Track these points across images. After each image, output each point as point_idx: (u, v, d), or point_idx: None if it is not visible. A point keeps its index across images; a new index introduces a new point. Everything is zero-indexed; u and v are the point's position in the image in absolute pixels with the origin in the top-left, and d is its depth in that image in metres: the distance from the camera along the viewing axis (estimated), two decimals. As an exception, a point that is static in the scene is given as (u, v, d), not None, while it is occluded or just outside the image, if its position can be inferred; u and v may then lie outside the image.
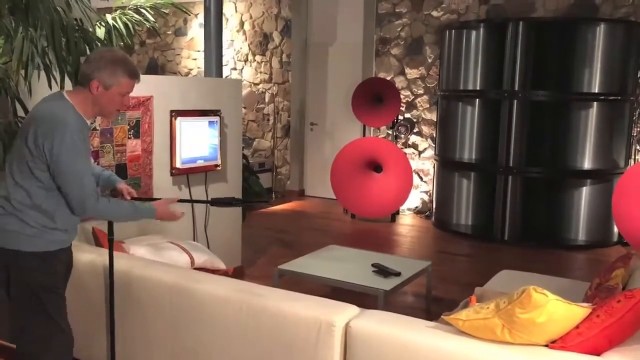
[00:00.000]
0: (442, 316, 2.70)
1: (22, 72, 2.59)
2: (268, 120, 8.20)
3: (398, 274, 3.61)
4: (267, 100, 8.19)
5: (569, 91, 5.86)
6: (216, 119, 4.12)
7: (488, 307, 1.94)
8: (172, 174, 3.89)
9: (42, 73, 2.67)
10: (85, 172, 2.17)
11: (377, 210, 6.61)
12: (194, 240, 4.07)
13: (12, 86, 2.67)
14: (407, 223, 6.81)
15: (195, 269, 3.18)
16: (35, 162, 2.11)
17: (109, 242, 2.53)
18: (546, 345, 1.91)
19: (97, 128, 3.40)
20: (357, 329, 2.10)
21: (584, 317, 1.91)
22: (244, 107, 8.24)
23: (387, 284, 3.47)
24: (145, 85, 3.61)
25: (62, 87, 2.59)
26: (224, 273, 3.38)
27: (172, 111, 3.83)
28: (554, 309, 1.83)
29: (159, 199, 2.56)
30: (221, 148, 4.18)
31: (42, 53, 2.54)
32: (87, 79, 2.18)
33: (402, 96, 6.98)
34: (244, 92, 8.20)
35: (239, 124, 4.48)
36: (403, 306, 4.12)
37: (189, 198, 3.88)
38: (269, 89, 8.16)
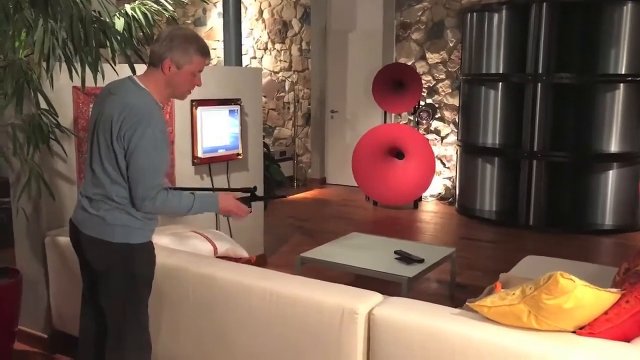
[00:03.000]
0: (466, 303, 2.69)
1: (44, 64, 2.61)
2: (288, 108, 8.18)
3: (421, 261, 3.58)
4: (287, 88, 8.17)
5: (594, 73, 5.74)
6: (236, 107, 4.11)
7: (514, 294, 1.91)
8: (193, 164, 3.90)
9: (64, 65, 2.68)
10: (158, 169, 2.10)
11: (400, 197, 6.58)
12: (217, 228, 4.09)
13: (35, 79, 2.69)
14: (430, 210, 6.76)
15: (218, 257, 3.19)
16: (118, 159, 2.08)
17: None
18: (573, 332, 1.87)
19: (119, 119, 3.41)
20: (381, 316, 2.08)
21: (612, 302, 1.87)
22: (264, 96, 8.24)
23: (411, 270, 3.44)
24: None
25: (94, 78, 2.60)
26: (247, 261, 3.37)
27: (192, 101, 3.83)
28: (581, 294, 1.79)
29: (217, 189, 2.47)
30: (242, 137, 4.18)
31: (62, 45, 2.55)
32: (159, 59, 2.14)
33: (423, 81, 6.90)
34: (264, 80, 8.19)
35: (259, 112, 4.47)
36: (427, 293, 4.10)
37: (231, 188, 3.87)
38: (288, 77, 8.14)
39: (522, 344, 1.84)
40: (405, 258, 3.62)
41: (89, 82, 2.72)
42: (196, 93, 3.86)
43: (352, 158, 6.66)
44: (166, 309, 2.63)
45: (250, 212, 2.42)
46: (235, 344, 2.43)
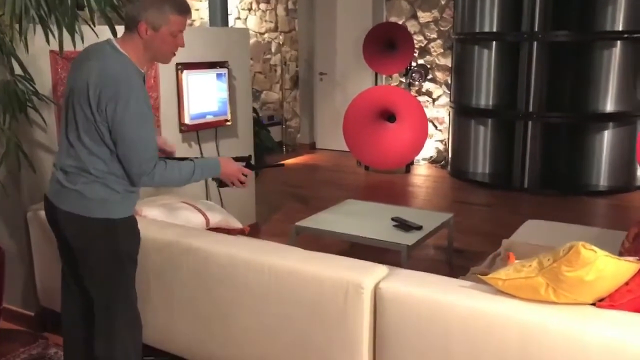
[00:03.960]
0: (474, 273, 2.59)
1: (17, 26, 2.41)
2: (275, 71, 7.95)
3: (419, 228, 3.47)
4: (273, 50, 7.92)
5: (591, 30, 5.58)
6: (224, 71, 3.92)
7: (530, 265, 1.80)
8: (181, 131, 3.72)
9: (39, 28, 2.48)
10: (148, 141, 1.95)
11: (392, 161, 6.45)
12: (207, 198, 3.95)
13: (7, 42, 2.48)
14: (422, 173, 6.66)
15: (210, 229, 3.05)
16: (102, 130, 1.92)
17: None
18: (593, 304, 1.77)
19: (101, 85, 3.22)
20: (387, 290, 1.97)
21: (633, 273, 1.77)
22: (250, 58, 7.98)
23: (409, 238, 3.34)
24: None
25: (72, 41, 2.41)
26: (241, 232, 3.24)
27: (177, 64, 3.63)
28: (603, 265, 1.69)
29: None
30: (230, 102, 4.00)
31: (36, 5, 2.34)
32: (134, 23, 1.96)
33: (414, 41, 6.70)
34: (250, 42, 7.92)
35: (248, 75, 4.28)
36: (424, 259, 4.02)
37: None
38: (275, 38, 7.89)
39: (539, 318, 1.74)
40: (403, 225, 3.51)
41: (67, 46, 2.52)
42: (181, 56, 3.66)
43: (342, 122, 6.50)
44: (159, 285, 2.50)
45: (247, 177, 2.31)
46: (232, 321, 2.32)
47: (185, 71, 3.66)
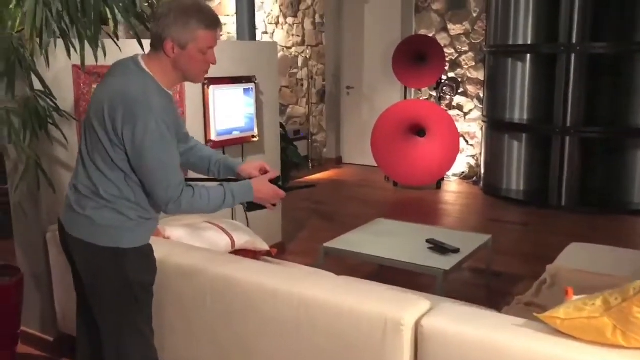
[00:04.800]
0: (522, 304, 2.39)
1: (37, 40, 2.31)
2: (302, 85, 7.83)
3: (457, 251, 3.28)
4: (300, 64, 7.81)
5: (631, 41, 5.34)
6: (251, 85, 3.79)
7: (594, 304, 1.60)
8: (206, 148, 3.59)
9: (60, 41, 2.38)
10: (171, 167, 1.79)
11: (422, 177, 6.26)
12: (233, 218, 3.81)
13: (27, 57, 2.38)
14: (453, 190, 6.44)
15: (236, 250, 2.91)
16: (116, 152, 1.77)
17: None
18: (667, 349, 1.57)
19: (124, 100, 3.10)
20: (430, 327, 1.79)
21: None
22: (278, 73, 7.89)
23: (446, 262, 3.14)
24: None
25: (95, 55, 2.28)
26: (267, 254, 3.10)
27: (204, 79, 3.51)
28: (681, 306, 1.48)
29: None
30: (257, 117, 3.87)
31: (57, 17, 2.23)
32: (159, 41, 1.81)
33: (445, 54, 6.51)
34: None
35: (275, 90, 4.15)
36: (461, 283, 3.81)
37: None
38: (302, 52, 7.77)
39: (605, 364, 1.54)
40: (438, 247, 3.32)
41: (90, 60, 2.41)
42: (208, 71, 3.56)
43: (371, 137, 6.33)
44: (181, 312, 2.35)
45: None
46: (257, 354, 2.15)
47: (211, 86, 3.54)
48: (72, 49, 2.37)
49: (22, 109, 2.53)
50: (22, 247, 2.91)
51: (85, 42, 2.35)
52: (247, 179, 2.05)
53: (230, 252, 2.88)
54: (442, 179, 6.52)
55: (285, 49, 7.84)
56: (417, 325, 1.82)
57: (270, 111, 4.07)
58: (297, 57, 7.80)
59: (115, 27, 2.46)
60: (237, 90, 3.71)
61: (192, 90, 3.45)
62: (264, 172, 2.11)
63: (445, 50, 6.63)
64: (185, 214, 1.94)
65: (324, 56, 7.62)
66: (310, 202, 5.84)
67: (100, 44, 2.40)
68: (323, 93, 7.72)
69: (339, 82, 7.65)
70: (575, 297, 1.74)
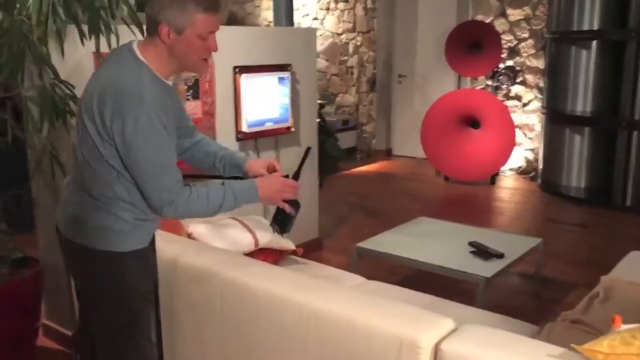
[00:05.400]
0: (567, 320, 2.12)
1: (54, 27, 2.19)
2: (352, 73, 7.59)
3: (501, 256, 3.00)
4: (350, 51, 7.56)
5: None
6: (287, 74, 3.61)
7: (645, 339, 1.34)
8: (238, 139, 3.44)
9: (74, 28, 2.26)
10: (166, 166, 1.62)
11: (475, 172, 5.92)
12: (265, 211, 3.65)
13: (38, 45, 2.27)
14: (508, 186, 6.07)
15: (259, 249, 2.74)
16: (106, 148, 1.62)
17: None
18: None
19: (149, 89, 2.99)
20: (451, 352, 1.56)
21: None
22: (326, 60, 7.69)
23: (488, 268, 2.88)
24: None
25: (96, 44, 2.14)
26: (292, 253, 2.92)
27: (235, 67, 3.36)
28: None
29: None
30: (293, 108, 3.69)
31: (64, 3, 2.11)
32: (154, 25, 1.63)
33: (503, 41, 6.12)
34: (326, 43, 7.62)
35: (314, 79, 3.95)
36: (506, 289, 3.52)
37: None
38: (352, 39, 7.53)
39: (657, 413, 1.28)
40: (481, 252, 3.05)
41: (104, 48, 2.28)
42: (239, 58, 3.42)
43: (421, 128, 6.04)
44: (192, 316, 2.21)
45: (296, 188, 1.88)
46: (269, 366, 1.98)
47: (243, 75, 3.38)
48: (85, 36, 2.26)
49: (39, 98, 2.45)
50: (42, 240, 2.86)
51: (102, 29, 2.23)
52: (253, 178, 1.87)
53: (254, 251, 2.73)
54: (497, 174, 6.16)
55: (335, 35, 7.61)
56: (437, 349, 1.59)
57: (308, 101, 3.88)
58: (348, 44, 7.56)
59: (132, 12, 2.33)
60: (270, 79, 3.54)
61: (222, 79, 3.30)
62: (272, 170, 1.92)
63: (503, 37, 6.23)
64: (183, 218, 1.76)
65: (375, 43, 7.34)
66: (355, 196, 5.63)
67: (113, 29, 2.28)
68: (374, 81, 7.45)
69: (390, 70, 7.37)
70: (624, 327, 1.47)
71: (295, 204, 1.88)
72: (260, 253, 2.78)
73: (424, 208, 5.18)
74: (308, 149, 1.97)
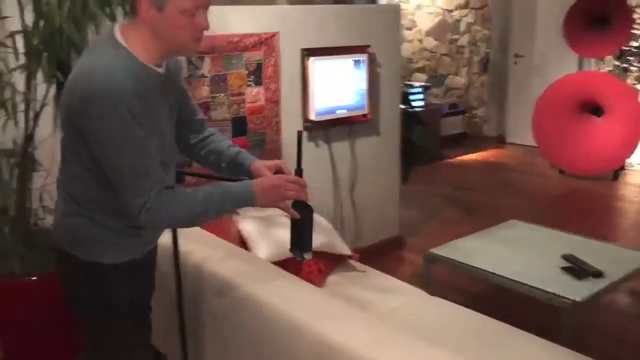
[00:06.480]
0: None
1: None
2: (462, 53, 7.03)
3: (599, 274, 2.51)
4: (462, 29, 6.99)
5: None
6: (363, 57, 3.29)
7: None
8: (305, 129, 3.19)
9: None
10: (140, 167, 1.39)
11: (595, 165, 5.20)
12: (337, 206, 3.39)
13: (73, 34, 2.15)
14: (635, 182, 5.29)
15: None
16: (81, 146, 1.43)
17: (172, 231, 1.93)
18: None
19: (206, 75, 2.81)
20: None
21: None
22: (435, 40, 7.18)
23: (579, 290, 2.40)
24: (269, 18, 2.95)
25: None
26: (350, 258, 2.64)
27: (303, 50, 3.10)
28: None
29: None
30: (372, 94, 3.36)
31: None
32: (133, 1, 1.43)
33: (633, 16, 5.28)
34: (435, 20, 7.11)
35: (397, 61, 3.58)
36: (611, 309, 2.98)
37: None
38: (465, 15, 6.94)
39: None
40: (576, 268, 2.57)
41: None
42: (308, 39, 3.14)
43: (534, 113, 5.41)
44: (214, 333, 2.02)
45: (300, 190, 1.54)
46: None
47: (311, 58, 3.11)
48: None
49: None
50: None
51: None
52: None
53: (303, 254, 2.48)
54: (621, 169, 5.38)
55: (446, 12, 7.07)
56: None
57: (390, 86, 3.53)
58: (459, 21, 6.99)
59: None
60: (344, 62, 3.24)
61: (289, 63, 3.06)
62: (279, 172, 1.63)
63: (637, 11, 5.38)
64: (166, 227, 1.54)
65: (490, 20, 6.71)
66: (452, 188, 5.17)
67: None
68: (486, 62, 6.84)
69: (505, 49, 6.71)
70: None
71: (303, 207, 1.56)
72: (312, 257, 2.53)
73: (529, 205, 4.64)
74: (299, 133, 1.64)
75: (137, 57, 1.42)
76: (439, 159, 6.01)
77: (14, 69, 2.35)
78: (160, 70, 1.49)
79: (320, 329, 1.58)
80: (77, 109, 1.36)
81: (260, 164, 1.65)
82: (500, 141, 6.86)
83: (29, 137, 2.35)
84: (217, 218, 1.54)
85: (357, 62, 3.27)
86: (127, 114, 1.34)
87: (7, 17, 2.27)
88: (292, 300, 1.75)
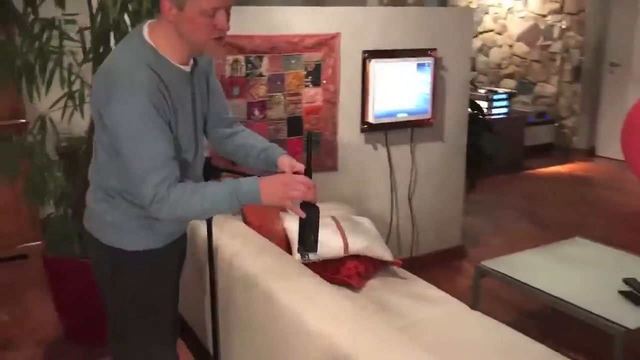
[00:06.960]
0: None
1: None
2: (554, 60, 6.69)
3: (661, 303, 2.31)
4: (555, 35, 6.65)
5: None
6: (429, 60, 3.21)
7: None
8: (362, 131, 3.17)
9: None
10: (153, 159, 1.43)
11: (691, 185, 4.79)
12: (394, 210, 3.34)
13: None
14: None
15: (350, 256, 2.47)
16: (105, 138, 1.50)
17: (207, 224, 1.98)
18: None
19: (264, 74, 2.87)
20: None
21: None
22: (526, 45, 6.88)
23: (634, 317, 2.22)
24: (330, 19, 2.96)
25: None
26: (391, 265, 2.59)
27: (365, 51, 3.08)
28: None
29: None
30: (436, 98, 3.29)
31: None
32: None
33: None
34: (527, 25, 6.82)
35: (466, 66, 3.48)
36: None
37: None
38: (559, 21, 6.60)
39: None
40: (636, 293, 2.38)
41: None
42: (369, 41, 3.11)
43: (623, 125, 5.05)
44: (238, 323, 2.06)
45: (305, 190, 1.49)
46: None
47: (373, 60, 3.09)
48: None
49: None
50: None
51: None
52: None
53: (344, 257, 2.47)
54: None
55: (540, 17, 6.75)
56: None
57: (457, 91, 3.44)
58: (553, 26, 6.65)
59: None
60: (408, 65, 3.18)
61: (349, 64, 3.05)
62: (295, 172, 1.63)
63: None
64: (178, 220, 1.57)
65: (585, 26, 6.34)
66: (526, 201, 4.94)
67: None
68: (579, 70, 6.47)
69: (600, 57, 6.33)
70: None
71: (310, 208, 1.54)
72: (352, 260, 2.50)
73: (607, 223, 4.35)
74: (309, 135, 1.62)
75: (162, 54, 1.48)
76: (517, 169, 5.76)
77: (82, 63, 2.52)
78: (186, 68, 1.54)
79: (334, 337, 1.56)
80: (101, 100, 1.44)
81: (286, 159, 1.66)
82: (590, 154, 6.47)
83: (92, 126, 2.51)
84: (228, 212, 1.56)
85: (420, 66, 3.21)
86: (144, 104, 1.40)
87: (76, 14, 2.44)
88: (307, 302, 1.74)
